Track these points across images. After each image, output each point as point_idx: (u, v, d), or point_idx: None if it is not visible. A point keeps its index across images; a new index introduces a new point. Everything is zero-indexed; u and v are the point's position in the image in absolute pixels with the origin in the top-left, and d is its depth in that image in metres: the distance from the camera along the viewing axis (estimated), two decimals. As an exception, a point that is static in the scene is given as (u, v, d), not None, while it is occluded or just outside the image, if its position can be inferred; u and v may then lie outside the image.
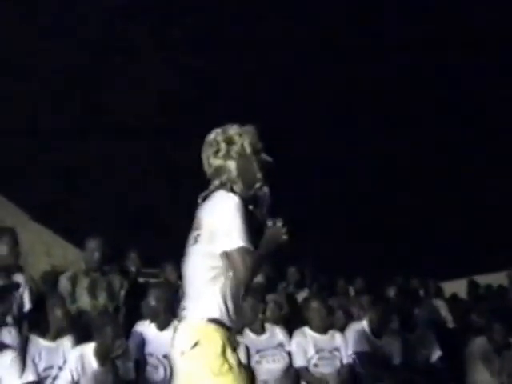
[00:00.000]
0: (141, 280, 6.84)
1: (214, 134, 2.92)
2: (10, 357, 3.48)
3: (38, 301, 4.56)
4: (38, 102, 7.50)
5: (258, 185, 2.89)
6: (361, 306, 6.62)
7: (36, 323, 4.40)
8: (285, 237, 2.77)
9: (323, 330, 5.39)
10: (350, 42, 7.03)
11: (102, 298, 5.29)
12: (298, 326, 5.40)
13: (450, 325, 7.20)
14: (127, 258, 6.81)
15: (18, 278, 4.73)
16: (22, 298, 4.53)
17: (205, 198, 2.86)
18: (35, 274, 6.13)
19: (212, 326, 2.64)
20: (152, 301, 4.90)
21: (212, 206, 2.77)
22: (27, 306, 4.53)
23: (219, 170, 2.86)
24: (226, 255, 2.64)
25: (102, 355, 4.41)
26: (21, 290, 4.53)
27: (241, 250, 2.62)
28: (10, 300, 4.25)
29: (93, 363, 4.41)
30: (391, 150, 8.15)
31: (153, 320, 4.89)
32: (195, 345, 2.61)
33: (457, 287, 8.95)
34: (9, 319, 4.23)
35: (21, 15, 6.55)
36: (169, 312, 4.82)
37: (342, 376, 5.20)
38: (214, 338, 2.62)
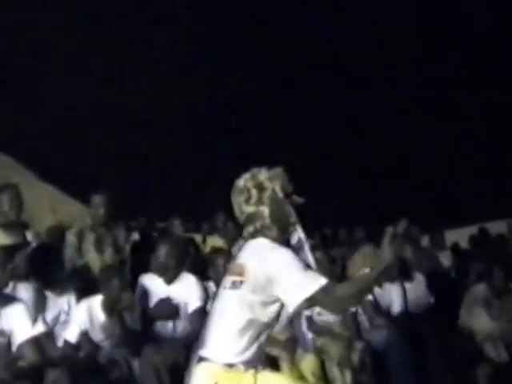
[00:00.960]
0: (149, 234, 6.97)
1: (244, 181, 2.86)
2: (21, 309, 3.56)
3: (44, 255, 4.64)
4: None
5: (292, 228, 2.88)
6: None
7: (42, 276, 4.48)
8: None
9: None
10: None
11: (108, 253, 5.37)
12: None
13: (452, 273, 7.30)
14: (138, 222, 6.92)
15: (26, 234, 4.82)
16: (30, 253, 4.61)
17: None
18: (41, 230, 6.23)
19: (229, 370, 2.68)
20: (161, 256, 4.87)
21: (260, 257, 2.71)
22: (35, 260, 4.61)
23: (252, 217, 2.82)
24: (310, 301, 2.61)
25: (109, 308, 4.50)
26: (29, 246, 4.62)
27: (320, 290, 2.59)
28: (21, 256, 4.32)
29: (100, 315, 4.51)
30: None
31: (161, 275, 4.90)
32: None
33: (458, 236, 9.03)
34: (19, 274, 4.30)
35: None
36: (177, 267, 4.87)
37: (346, 324, 5.29)
38: (234, 381, 2.67)
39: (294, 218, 2.86)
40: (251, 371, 2.70)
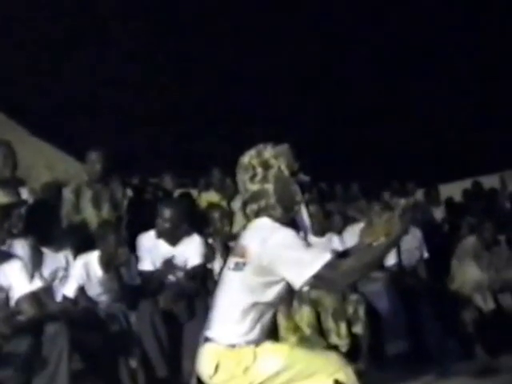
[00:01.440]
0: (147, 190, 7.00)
1: (249, 158, 2.79)
2: (18, 265, 3.59)
3: (41, 211, 4.66)
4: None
5: (297, 207, 2.83)
6: (358, 210, 6.78)
7: (39, 233, 4.52)
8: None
9: (321, 232, 5.55)
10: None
11: (106, 209, 5.38)
12: (297, 230, 5.53)
13: (445, 226, 7.38)
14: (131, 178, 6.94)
15: (22, 191, 4.83)
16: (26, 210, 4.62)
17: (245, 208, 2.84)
18: (37, 187, 6.24)
19: (232, 349, 2.69)
20: (166, 220, 4.78)
21: (262, 238, 2.67)
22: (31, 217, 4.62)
23: (257, 196, 2.76)
24: (315, 277, 2.57)
25: (106, 263, 4.54)
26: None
27: (325, 266, 2.55)
28: (17, 215, 4.34)
29: (97, 271, 4.56)
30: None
31: (167, 239, 4.85)
32: (217, 368, 2.69)
33: (451, 190, 9.09)
34: (15, 231, 4.33)
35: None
36: (181, 229, 4.84)
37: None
38: (235, 359, 2.68)
39: (299, 196, 2.81)
40: (251, 346, 2.71)
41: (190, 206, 5.94)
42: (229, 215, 5.61)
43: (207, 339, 2.77)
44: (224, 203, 6.59)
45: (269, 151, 2.79)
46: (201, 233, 5.14)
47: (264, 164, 2.77)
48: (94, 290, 4.55)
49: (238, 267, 2.72)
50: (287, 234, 2.66)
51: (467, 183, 9.05)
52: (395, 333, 5.05)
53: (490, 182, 9.04)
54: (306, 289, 5.13)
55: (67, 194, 5.35)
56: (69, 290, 4.49)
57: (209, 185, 7.44)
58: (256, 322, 2.72)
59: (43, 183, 6.61)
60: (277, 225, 2.72)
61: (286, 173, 2.78)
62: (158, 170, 7.43)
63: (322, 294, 5.05)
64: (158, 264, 4.80)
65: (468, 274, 5.52)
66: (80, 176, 5.93)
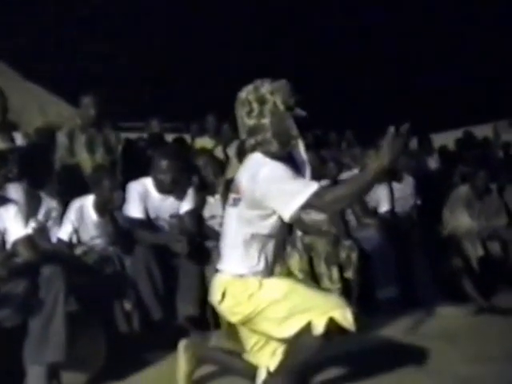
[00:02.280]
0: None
1: (246, 93, 2.88)
2: (13, 209, 3.60)
3: (35, 155, 4.64)
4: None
5: (293, 142, 2.89)
6: (352, 157, 6.79)
7: (33, 177, 4.51)
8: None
9: (316, 179, 5.53)
10: None
11: (100, 153, 5.38)
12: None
13: (438, 175, 7.41)
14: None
15: (16, 136, 4.81)
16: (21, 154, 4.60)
17: (240, 153, 2.90)
18: (31, 132, 6.21)
19: (239, 279, 2.87)
20: (160, 174, 4.68)
21: (252, 173, 2.79)
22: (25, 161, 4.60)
23: (254, 130, 2.85)
24: (304, 207, 2.68)
25: (101, 207, 4.57)
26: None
27: (313, 195, 2.66)
28: (13, 160, 4.33)
29: (92, 215, 4.58)
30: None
31: (167, 191, 4.75)
32: (224, 295, 2.88)
33: (445, 139, 9.10)
34: (10, 176, 4.32)
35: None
36: (175, 181, 4.75)
37: (333, 221, 5.38)
38: (241, 287, 2.85)
39: (295, 131, 2.88)
40: (258, 277, 2.88)
41: (184, 153, 5.91)
42: (214, 163, 5.46)
43: (218, 271, 2.98)
44: (219, 149, 6.57)
45: (265, 87, 2.87)
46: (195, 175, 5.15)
47: (260, 99, 2.85)
48: (89, 234, 4.59)
49: (235, 203, 2.87)
50: (275, 166, 2.77)
51: (460, 133, 9.07)
52: (386, 278, 5.12)
53: (483, 131, 9.07)
54: (299, 234, 5.24)
55: (61, 137, 5.34)
56: (64, 233, 4.52)
57: (203, 130, 7.41)
58: (260, 253, 2.87)
59: (37, 127, 6.58)
60: (267, 159, 2.82)
61: (282, 108, 2.85)
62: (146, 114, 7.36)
63: (315, 238, 5.10)
64: (150, 213, 4.75)
65: (459, 221, 5.59)
66: (73, 119, 5.89)
